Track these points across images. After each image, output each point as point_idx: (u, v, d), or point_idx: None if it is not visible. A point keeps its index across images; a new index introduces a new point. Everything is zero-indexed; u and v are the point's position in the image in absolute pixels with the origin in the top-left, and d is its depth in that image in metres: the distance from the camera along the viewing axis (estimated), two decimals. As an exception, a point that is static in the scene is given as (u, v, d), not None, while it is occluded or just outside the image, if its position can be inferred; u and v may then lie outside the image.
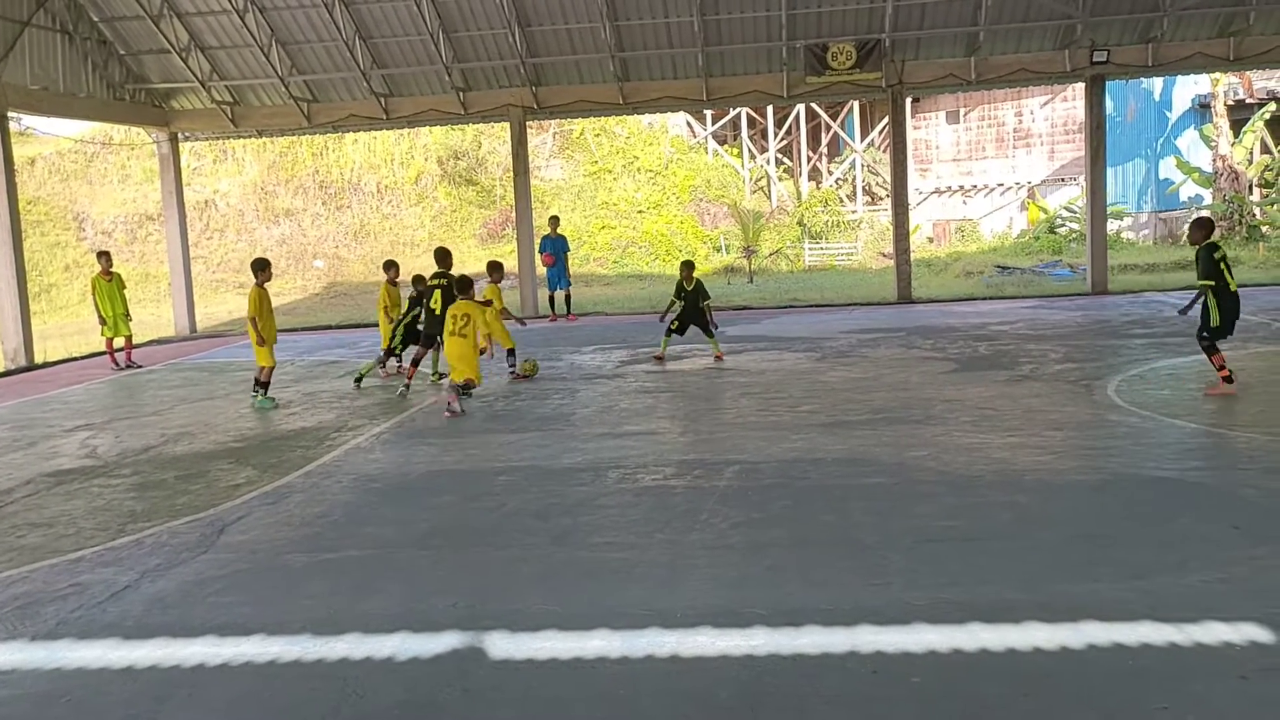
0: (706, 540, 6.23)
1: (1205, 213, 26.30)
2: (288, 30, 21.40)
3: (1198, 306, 10.30)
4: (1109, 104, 28.41)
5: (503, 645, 4.74)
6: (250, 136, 24.98)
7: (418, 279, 13.59)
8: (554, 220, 22.68)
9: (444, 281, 12.61)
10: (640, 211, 38.56)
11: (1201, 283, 10.09)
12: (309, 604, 5.43)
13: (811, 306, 22.66)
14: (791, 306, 23.04)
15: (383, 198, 39.80)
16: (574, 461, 8.47)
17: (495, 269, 14.16)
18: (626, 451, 8.76)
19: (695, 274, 14.33)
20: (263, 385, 12.17)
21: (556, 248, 21.86)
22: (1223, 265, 10.00)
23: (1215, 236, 10.83)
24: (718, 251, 37.08)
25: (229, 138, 26.44)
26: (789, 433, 9.21)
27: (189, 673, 4.64)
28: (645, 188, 39.61)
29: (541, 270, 22.62)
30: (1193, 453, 7.88)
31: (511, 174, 24.46)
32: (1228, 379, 10.01)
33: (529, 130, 26.33)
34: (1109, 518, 6.37)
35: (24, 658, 4.89)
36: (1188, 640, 4.39)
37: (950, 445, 8.42)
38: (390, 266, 14.73)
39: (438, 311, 12.30)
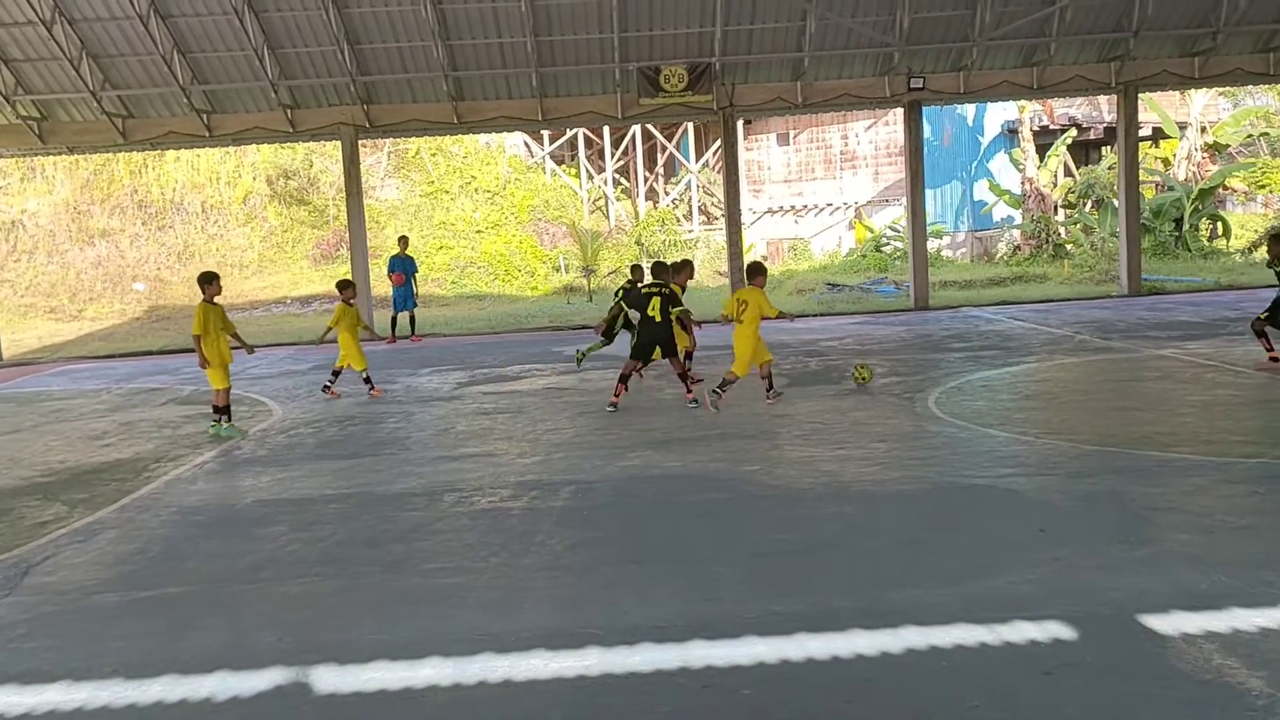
0: (542, 562, 6.21)
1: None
2: (99, 43, 20.42)
3: None
4: (926, 129, 29.83)
5: (329, 679, 4.61)
6: (60, 154, 23.73)
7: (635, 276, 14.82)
8: (403, 240, 22.29)
9: (665, 290, 11.72)
10: (479, 231, 38.29)
11: None
12: (121, 646, 5.16)
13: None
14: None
15: (208, 218, 38.32)
16: (408, 486, 8.33)
17: (346, 286, 14.03)
18: (463, 474, 8.67)
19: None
20: (220, 411, 11.14)
21: (405, 268, 21.50)
22: None
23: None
24: (557, 271, 37.12)
25: (36, 155, 25.03)
26: (625, 451, 9.28)
27: (-13, 726, 4.35)
28: (483, 207, 39.37)
29: (383, 290, 22.21)
30: (1004, 460, 8.30)
31: (344, 194, 23.94)
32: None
33: (362, 149, 25.86)
34: (928, 525, 6.65)
35: None
36: (998, 640, 4.62)
37: (781, 459, 8.64)
38: (347, 286, 14.12)
39: (658, 319, 11.57)
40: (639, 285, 12.18)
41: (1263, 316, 12.04)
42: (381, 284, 22.05)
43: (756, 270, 11.85)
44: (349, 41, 20.62)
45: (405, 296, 21.54)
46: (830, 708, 4.10)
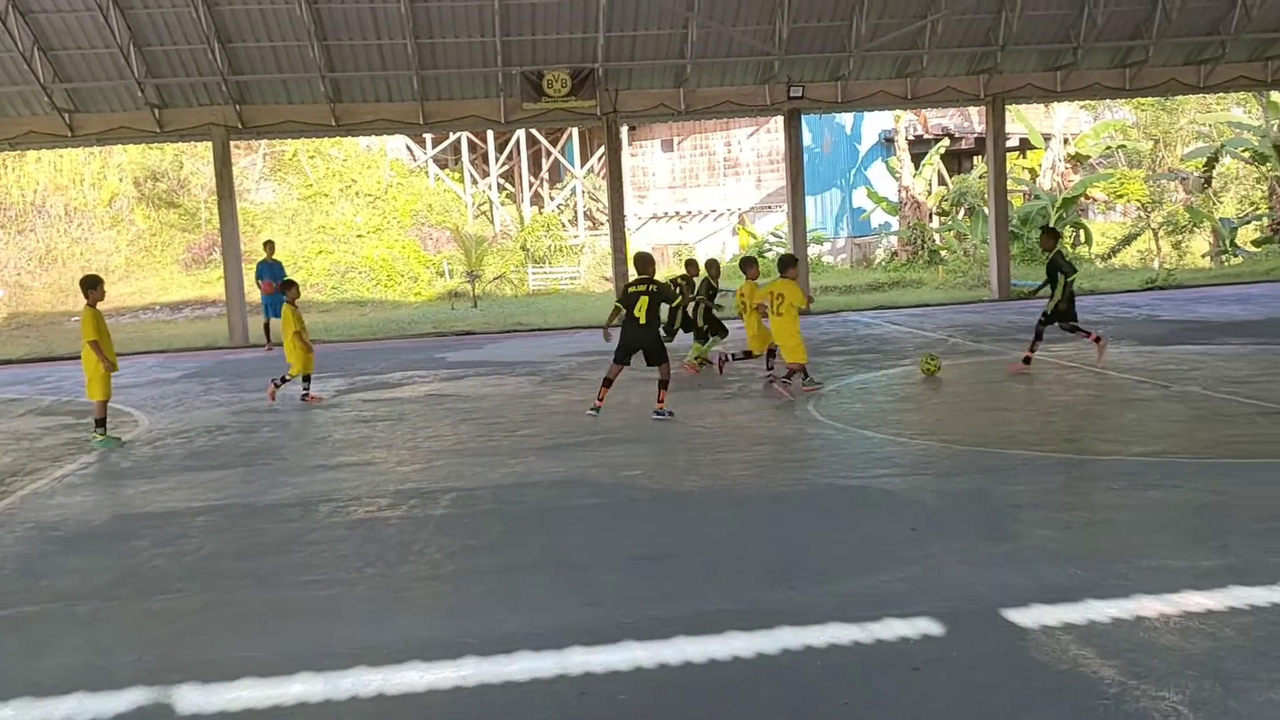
0: (420, 571, 6.11)
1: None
2: (-49, 37, 19.45)
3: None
4: (807, 136, 30.40)
5: (193, 699, 4.44)
6: (-91, 152, 22.49)
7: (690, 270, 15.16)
8: (269, 245, 21.52)
9: (654, 288, 10.72)
10: (360, 236, 37.62)
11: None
12: (-31, 671, 4.89)
13: (535, 330, 22.85)
14: (515, 331, 23.14)
15: (72, 220, 36.80)
16: (282, 497, 8.10)
17: (289, 286, 13.65)
18: (340, 484, 8.48)
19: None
20: (99, 423, 10.65)
21: (273, 274, 20.82)
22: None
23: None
24: (441, 276, 36.71)
25: (-118, 152, 23.68)
26: (507, 457, 9.21)
27: None
28: (364, 212, 38.69)
29: (256, 297, 21.58)
30: (879, 461, 8.50)
31: (216, 196, 23.25)
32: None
33: (236, 150, 25.16)
34: (805, 526, 6.76)
35: None
36: (870, 638, 4.71)
37: (664, 463, 8.68)
38: (290, 286, 13.65)
39: (643, 320, 10.59)
40: (627, 283, 11.01)
41: (1048, 312, 12.77)
42: (255, 290, 21.42)
43: (789, 263, 12.12)
44: (220, 40, 20.06)
45: (275, 303, 20.84)
46: (706, 710, 4.12)
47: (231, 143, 22.40)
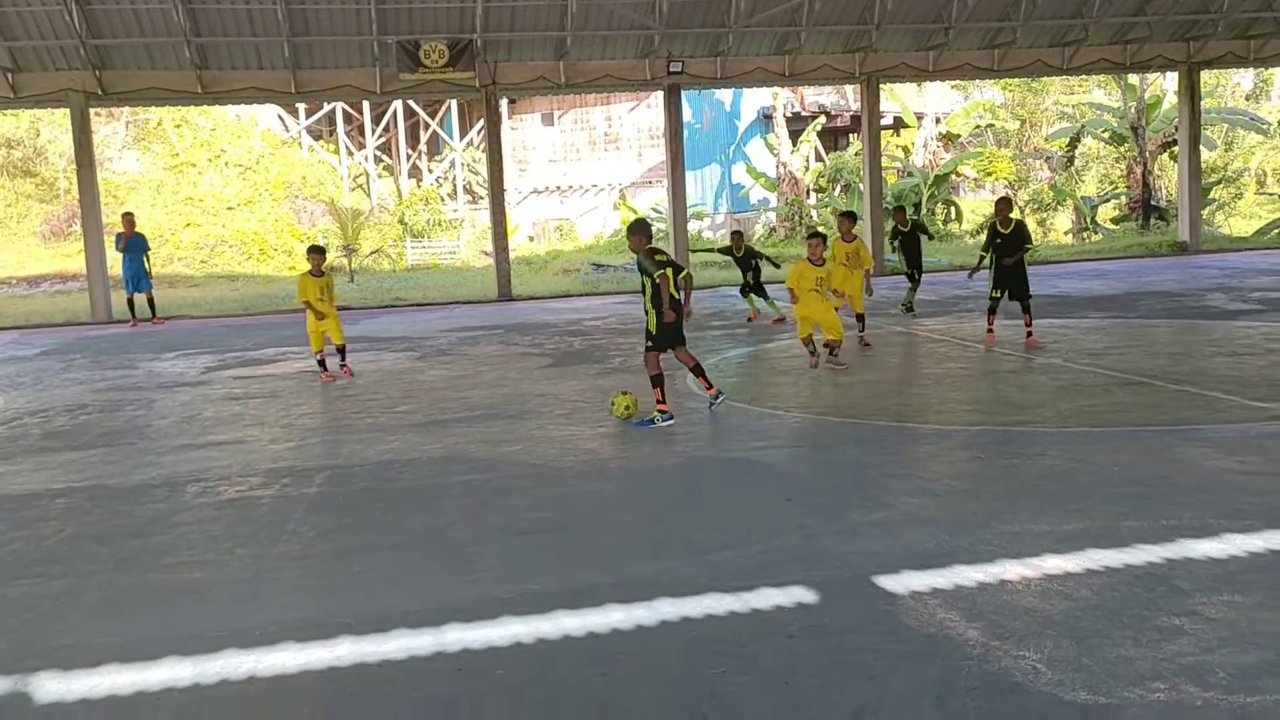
0: (293, 551, 5.97)
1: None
2: None
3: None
4: (687, 112, 30.51)
5: (52, 687, 4.27)
6: None
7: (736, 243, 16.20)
8: (127, 217, 20.52)
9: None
10: (230, 209, 36.39)
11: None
12: None
13: (414, 306, 22.50)
14: (393, 306, 22.75)
15: (-83, 189, 34.71)
16: (147, 477, 7.82)
17: (318, 251, 12.62)
18: (209, 463, 8.23)
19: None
20: None
21: (136, 246, 19.93)
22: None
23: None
24: (316, 250, 35.79)
25: None
26: (384, 434, 9.06)
27: None
28: (235, 183, 37.42)
29: (116, 271, 20.70)
30: (756, 434, 8.63)
31: (75, 165, 22.19)
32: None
33: (96, 118, 24.06)
34: (683, 498, 6.83)
35: None
36: (745, 607, 4.79)
37: (543, 438, 8.66)
38: (317, 252, 12.55)
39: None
40: (662, 255, 9.20)
41: (995, 295, 12.61)
42: (116, 265, 20.53)
43: (819, 237, 11.47)
44: (78, 1, 19.07)
45: (138, 276, 19.98)
46: (584, 681, 4.14)
47: (91, 110, 21.39)
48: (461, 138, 43.51)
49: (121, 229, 19.99)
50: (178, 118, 37.89)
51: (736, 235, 17.12)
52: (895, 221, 16.27)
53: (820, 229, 13.20)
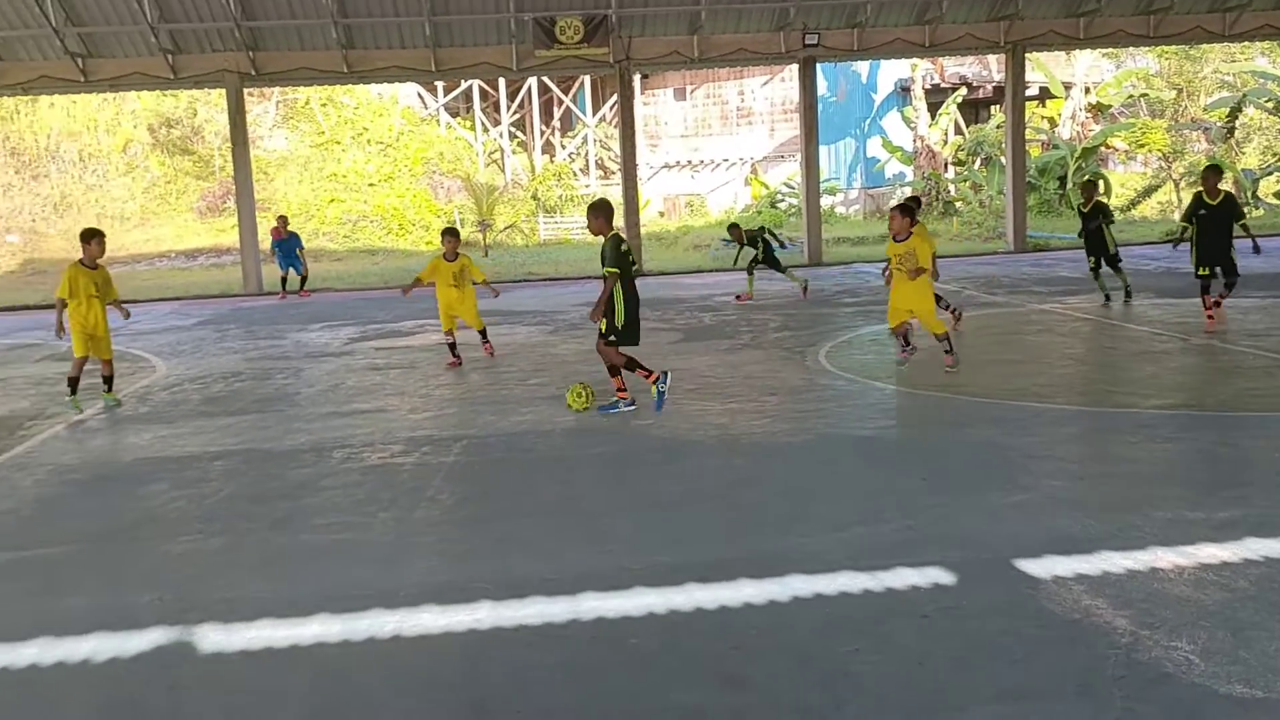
0: (432, 517, 6.16)
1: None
2: (-38, -20, 19.31)
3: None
4: (821, 85, 30.08)
5: (213, 638, 4.51)
6: (-79, 97, 22.42)
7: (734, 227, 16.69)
8: (282, 220, 21.15)
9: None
10: (371, 185, 37.49)
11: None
12: (-9, 610, 4.97)
13: (546, 280, 22.83)
14: (526, 280, 23.12)
15: (86, 167, 36.76)
16: (296, 443, 8.16)
17: (451, 235, 11.70)
18: (353, 430, 8.53)
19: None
20: (71, 382, 9.83)
21: (292, 244, 20.73)
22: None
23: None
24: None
25: (-105, 97, 23.63)
26: (518, 406, 9.24)
27: None
28: (376, 160, 38.52)
29: (268, 245, 21.56)
30: (890, 412, 8.50)
31: (230, 144, 23.16)
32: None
33: (249, 97, 25.04)
34: (815, 475, 6.78)
35: None
36: (879, 585, 4.74)
37: (673, 413, 8.69)
38: (451, 235, 11.69)
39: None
40: (620, 244, 8.69)
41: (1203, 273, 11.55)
42: (268, 239, 21.40)
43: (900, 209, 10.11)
44: (233, -16, 19.86)
45: (290, 255, 20.80)
46: (716, 654, 4.16)
47: (245, 90, 22.27)
48: (594, 113, 43.80)
49: (274, 225, 20.81)
50: (324, 97, 39.18)
51: (734, 228, 17.36)
52: (1082, 197, 14.28)
53: (908, 201, 10.87)
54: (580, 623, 4.52)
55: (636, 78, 36.60)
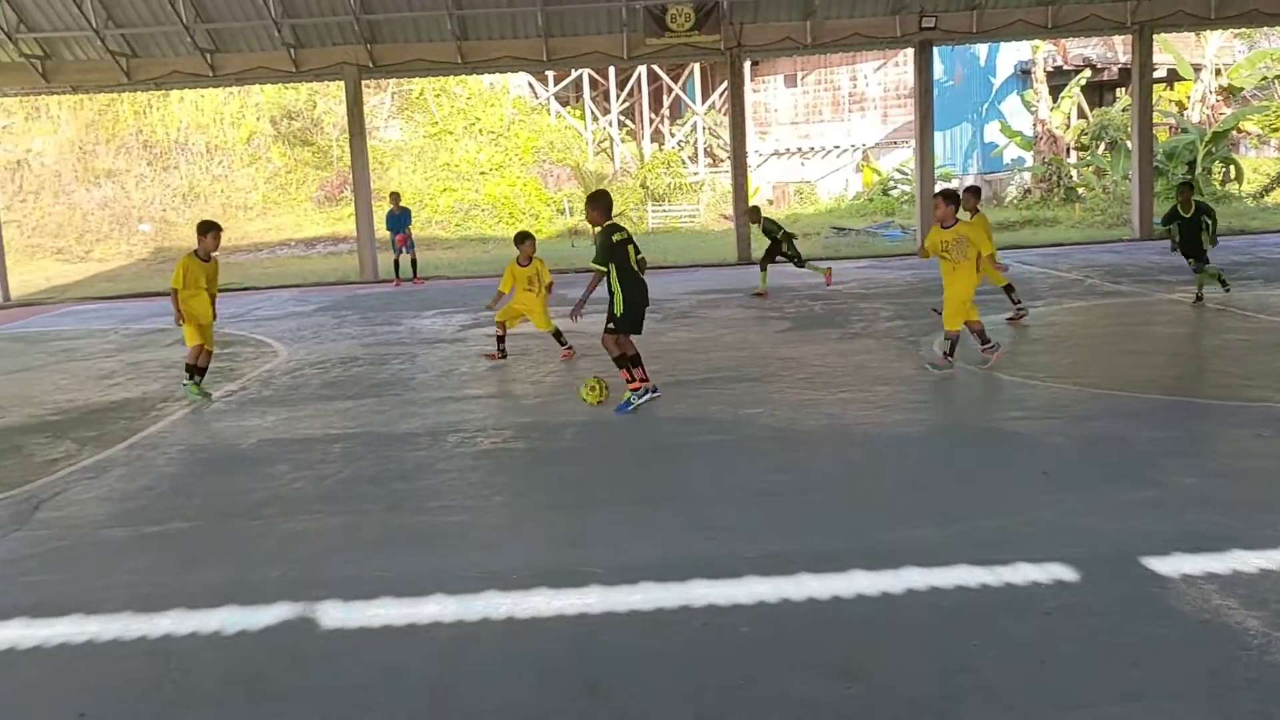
0: (544, 501, 6.23)
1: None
2: (101, -21, 20.17)
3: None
4: (937, 69, 29.42)
5: (335, 614, 4.65)
6: (64, 93, 23.52)
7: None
8: (395, 196, 21.73)
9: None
10: (482, 173, 38.03)
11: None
12: (130, 580, 5.20)
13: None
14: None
15: (213, 158, 38.11)
16: (412, 427, 8.34)
17: (526, 239, 11.34)
18: (466, 415, 8.68)
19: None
20: (191, 370, 9.93)
21: (400, 224, 21.23)
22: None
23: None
24: (561, 214, 36.95)
25: (40, 94, 24.83)
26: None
27: (-5, 659, 4.40)
28: (487, 149, 39.06)
29: (384, 234, 22.07)
30: (1008, 403, 8.29)
31: (348, 135, 23.75)
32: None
33: (366, 89, 25.62)
34: (931, 467, 6.65)
35: None
36: (998, 580, 4.63)
37: (784, 402, 8.63)
38: (524, 239, 11.29)
39: (641, 273, 8.74)
40: (611, 232, 8.51)
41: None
42: (383, 228, 21.90)
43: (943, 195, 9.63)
44: (352, -21, 20.33)
45: (403, 238, 21.32)
46: (827, 645, 4.12)
47: (363, 82, 22.80)
48: (703, 101, 43.65)
49: (390, 208, 21.31)
50: (437, 88, 39.87)
51: (753, 210, 17.14)
52: (1178, 202, 13.27)
53: (954, 187, 9.94)
54: (691, 609, 4.52)
55: (746, 64, 36.36)
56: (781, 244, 16.10)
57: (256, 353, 12.85)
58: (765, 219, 16.41)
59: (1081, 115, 35.91)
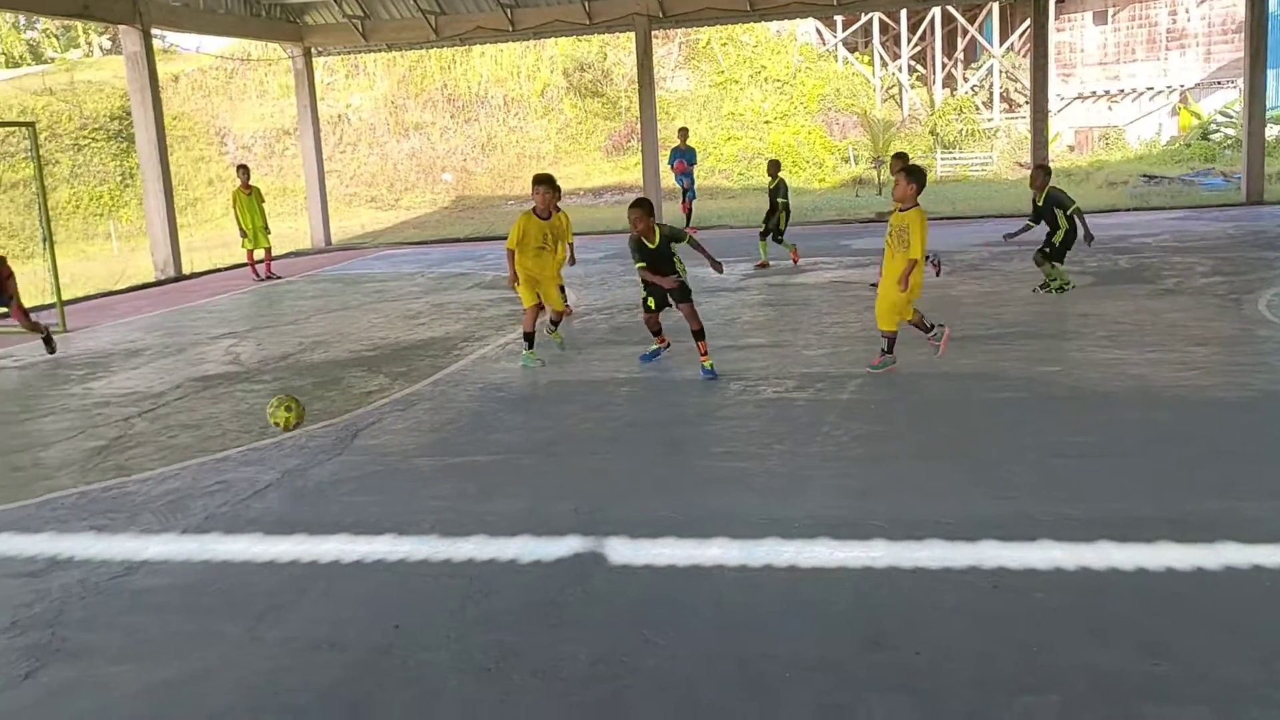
0: (827, 452, 6.19)
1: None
2: (414, -58, 21.46)
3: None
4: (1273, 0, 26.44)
5: (622, 550, 4.83)
6: (380, 50, 25.30)
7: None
8: (683, 132, 22.00)
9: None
10: (767, 122, 37.86)
11: None
12: (436, 505, 5.61)
13: (943, 219, 22.00)
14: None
15: (509, 110, 40.00)
16: (696, 373, 8.48)
17: (547, 185, 9.28)
18: (748, 364, 8.74)
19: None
20: (529, 339, 9.21)
21: (687, 158, 21.42)
22: None
23: None
24: (846, 163, 36.24)
25: (360, 52, 26.85)
26: (915, 346, 9.01)
27: (325, 568, 4.87)
28: (772, 98, 38.81)
29: (671, 184, 22.38)
30: (1349, 371, 7.45)
31: (636, 85, 24.23)
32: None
33: (654, 40, 26.01)
34: (1253, 436, 6.09)
35: (176, 549, 5.20)
36: (1333, 563, 4.20)
37: (1084, 360, 8.14)
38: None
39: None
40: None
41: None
42: (669, 178, 22.22)
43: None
44: (644, -71, 20.61)
45: (691, 186, 21.46)
46: (1132, 618, 3.88)
47: (652, 32, 23.15)
48: (1001, 43, 41.39)
49: (677, 143, 21.55)
50: (724, 36, 39.93)
51: (773, 164, 15.66)
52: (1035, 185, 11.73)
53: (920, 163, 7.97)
54: (980, 570, 4.38)
55: (1052, 1, 34.07)
56: (779, 212, 14.99)
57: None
58: (779, 179, 15.09)
59: None
